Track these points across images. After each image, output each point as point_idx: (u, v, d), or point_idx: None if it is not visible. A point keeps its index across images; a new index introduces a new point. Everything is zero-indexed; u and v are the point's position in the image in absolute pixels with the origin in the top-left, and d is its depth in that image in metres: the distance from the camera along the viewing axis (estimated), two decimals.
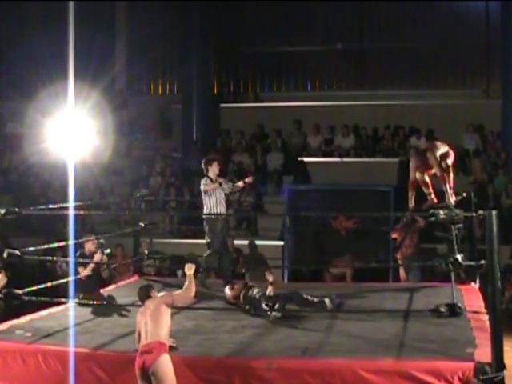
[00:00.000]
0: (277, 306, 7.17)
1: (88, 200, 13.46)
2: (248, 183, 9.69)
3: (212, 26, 17.22)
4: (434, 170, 8.64)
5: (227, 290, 7.89)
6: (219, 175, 9.29)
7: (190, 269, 6.20)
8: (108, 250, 8.62)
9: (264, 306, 7.26)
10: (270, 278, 7.72)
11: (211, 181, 9.12)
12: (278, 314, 7.11)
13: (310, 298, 7.45)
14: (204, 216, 9.27)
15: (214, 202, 9.05)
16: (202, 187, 9.13)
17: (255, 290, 7.58)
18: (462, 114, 15.65)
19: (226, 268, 9.32)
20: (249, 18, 18.06)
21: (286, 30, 17.43)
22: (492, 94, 16.31)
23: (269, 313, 7.15)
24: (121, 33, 18.48)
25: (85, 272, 8.28)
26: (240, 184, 9.53)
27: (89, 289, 8.25)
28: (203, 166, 9.24)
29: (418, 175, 8.84)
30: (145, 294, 6.03)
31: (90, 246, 8.47)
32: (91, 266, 8.32)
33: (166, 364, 5.52)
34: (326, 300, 7.40)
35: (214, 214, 9.03)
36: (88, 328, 7.02)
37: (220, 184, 9.09)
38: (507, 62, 15.21)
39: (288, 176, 15.45)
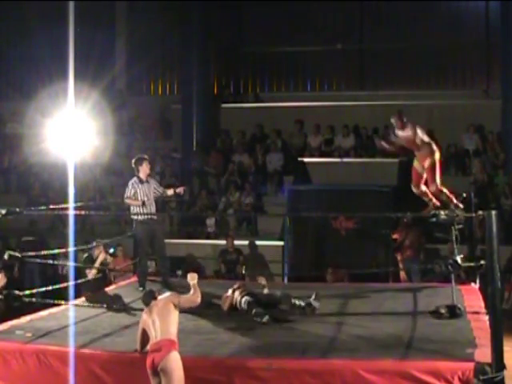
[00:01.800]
0: (254, 311, 7.15)
1: (88, 200, 13.45)
2: (178, 193, 9.50)
3: (212, 26, 17.21)
4: (426, 162, 8.16)
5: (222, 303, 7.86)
6: (150, 175, 9.16)
7: (193, 278, 6.09)
8: (112, 250, 8.67)
9: (253, 314, 7.22)
10: (263, 282, 7.72)
11: (140, 181, 8.95)
12: (265, 320, 7.07)
13: (297, 302, 7.34)
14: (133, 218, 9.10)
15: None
16: (126, 193, 8.93)
17: (243, 300, 7.48)
18: (462, 114, 15.63)
19: (164, 272, 9.27)
20: (249, 18, 18.04)
21: (286, 30, 17.41)
22: (492, 94, 16.30)
23: (258, 319, 7.10)
24: (121, 33, 18.46)
25: (91, 273, 8.36)
26: (169, 192, 9.35)
27: (95, 288, 8.35)
28: (133, 165, 9.04)
29: (414, 189, 8.40)
30: (149, 299, 5.97)
31: (97, 253, 8.57)
32: (96, 266, 8.46)
33: (174, 361, 5.50)
34: (313, 302, 7.30)
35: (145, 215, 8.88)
36: (88, 328, 7.01)
37: (143, 203, 8.81)
38: (507, 61, 15.19)
39: (288, 176, 15.44)
